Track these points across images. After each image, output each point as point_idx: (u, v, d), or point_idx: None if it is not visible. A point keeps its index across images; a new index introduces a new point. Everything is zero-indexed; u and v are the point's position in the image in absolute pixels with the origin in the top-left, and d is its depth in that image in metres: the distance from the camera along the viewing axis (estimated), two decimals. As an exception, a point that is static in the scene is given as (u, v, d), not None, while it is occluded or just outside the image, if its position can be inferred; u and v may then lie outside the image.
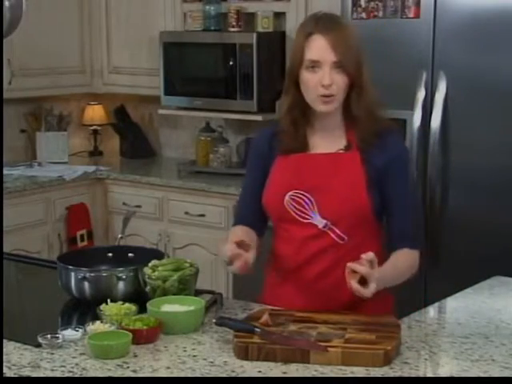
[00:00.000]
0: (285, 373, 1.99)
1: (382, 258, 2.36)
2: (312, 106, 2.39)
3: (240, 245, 2.29)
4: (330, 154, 2.42)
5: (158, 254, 2.59)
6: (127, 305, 2.31)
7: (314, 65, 2.33)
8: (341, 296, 2.38)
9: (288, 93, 2.42)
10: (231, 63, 4.58)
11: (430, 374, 2.03)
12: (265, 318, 2.19)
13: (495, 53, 3.44)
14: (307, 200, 2.39)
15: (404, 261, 2.40)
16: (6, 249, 3.02)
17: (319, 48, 2.32)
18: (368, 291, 2.18)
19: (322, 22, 2.36)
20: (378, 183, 2.39)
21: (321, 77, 2.32)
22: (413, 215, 2.44)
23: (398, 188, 2.41)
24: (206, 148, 4.92)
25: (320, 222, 2.40)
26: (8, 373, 2.00)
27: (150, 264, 2.46)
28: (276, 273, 2.55)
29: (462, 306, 2.51)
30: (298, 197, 2.40)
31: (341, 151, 2.42)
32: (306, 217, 2.40)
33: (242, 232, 2.45)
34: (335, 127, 2.44)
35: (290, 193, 2.40)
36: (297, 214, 2.41)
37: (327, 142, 2.43)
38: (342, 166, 2.40)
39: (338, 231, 2.40)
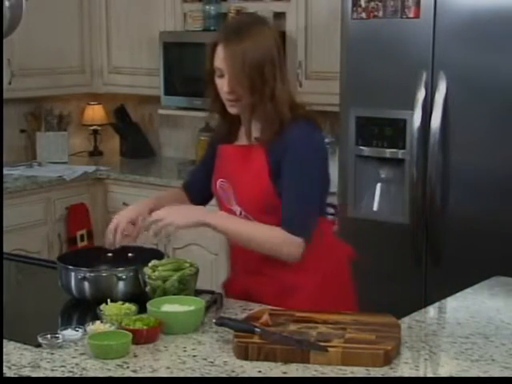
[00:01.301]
0: (285, 373, 1.99)
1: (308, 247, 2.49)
2: None
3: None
4: (242, 146, 2.58)
5: (158, 254, 2.59)
6: (127, 305, 2.31)
7: (219, 72, 2.47)
8: (275, 272, 2.53)
9: (208, 92, 2.56)
10: (231, 63, 4.58)
11: (430, 374, 2.02)
12: (265, 317, 2.19)
13: (495, 53, 3.44)
14: (228, 188, 2.58)
15: (270, 230, 2.47)
16: (6, 249, 3.02)
17: (219, 57, 2.46)
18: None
19: (226, 32, 2.50)
20: (278, 172, 2.49)
21: (223, 83, 2.47)
22: (296, 202, 2.47)
23: (287, 177, 2.48)
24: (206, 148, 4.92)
25: (237, 209, 2.57)
26: (8, 373, 2.00)
27: (149, 264, 2.46)
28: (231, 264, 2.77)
29: (462, 306, 2.51)
30: (223, 184, 2.60)
31: (253, 143, 2.55)
32: (229, 204, 2.59)
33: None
34: (250, 122, 2.55)
35: (219, 180, 2.62)
36: (222, 200, 2.62)
37: (246, 134, 2.57)
38: (250, 157, 2.53)
39: (251, 218, 2.53)
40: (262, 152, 2.50)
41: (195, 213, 2.50)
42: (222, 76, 2.46)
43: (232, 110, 2.52)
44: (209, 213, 2.51)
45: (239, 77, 2.42)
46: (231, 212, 2.57)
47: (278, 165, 2.48)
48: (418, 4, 3.59)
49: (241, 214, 2.55)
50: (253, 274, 2.59)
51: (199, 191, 2.76)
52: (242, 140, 2.59)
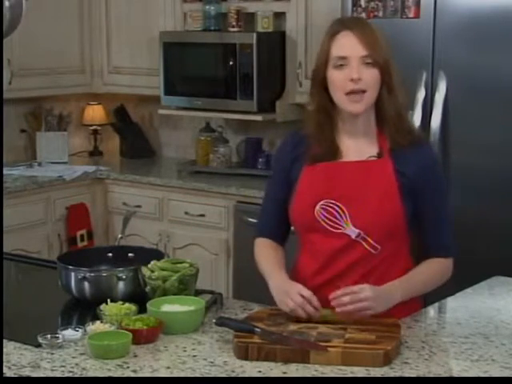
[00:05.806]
0: (285, 373, 1.99)
1: (410, 267, 2.41)
2: (341, 107, 2.33)
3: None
4: (361, 162, 2.35)
5: (158, 254, 2.59)
6: (127, 305, 2.32)
7: (342, 62, 2.28)
8: None
9: (314, 96, 2.38)
10: (231, 63, 4.58)
11: (429, 374, 2.02)
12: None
13: (495, 53, 3.44)
14: (339, 210, 2.33)
15: (430, 271, 2.41)
16: (6, 249, 3.01)
17: (346, 43, 2.29)
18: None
19: (347, 21, 2.40)
20: (410, 192, 2.34)
21: (349, 72, 2.27)
22: (447, 225, 2.42)
23: (432, 199, 2.38)
24: (206, 148, 4.92)
25: (353, 231, 2.33)
26: (8, 373, 2.00)
27: (149, 264, 2.46)
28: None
29: (462, 306, 2.51)
30: (330, 206, 2.34)
31: (372, 158, 2.36)
32: (338, 227, 2.34)
33: (278, 261, 2.41)
34: (366, 131, 2.37)
35: (321, 203, 2.34)
36: (328, 224, 2.34)
37: (358, 148, 2.36)
38: (373, 174, 2.34)
39: (371, 241, 2.34)
40: (390, 168, 2.32)
41: (392, 299, 2.26)
42: (342, 66, 2.27)
43: (354, 108, 2.29)
44: (394, 292, 2.29)
45: (375, 53, 2.26)
46: (339, 236, 2.34)
47: (410, 183, 2.33)
48: (417, 4, 3.59)
49: (358, 236, 2.33)
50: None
51: (279, 229, 2.49)
52: (350, 155, 2.36)
